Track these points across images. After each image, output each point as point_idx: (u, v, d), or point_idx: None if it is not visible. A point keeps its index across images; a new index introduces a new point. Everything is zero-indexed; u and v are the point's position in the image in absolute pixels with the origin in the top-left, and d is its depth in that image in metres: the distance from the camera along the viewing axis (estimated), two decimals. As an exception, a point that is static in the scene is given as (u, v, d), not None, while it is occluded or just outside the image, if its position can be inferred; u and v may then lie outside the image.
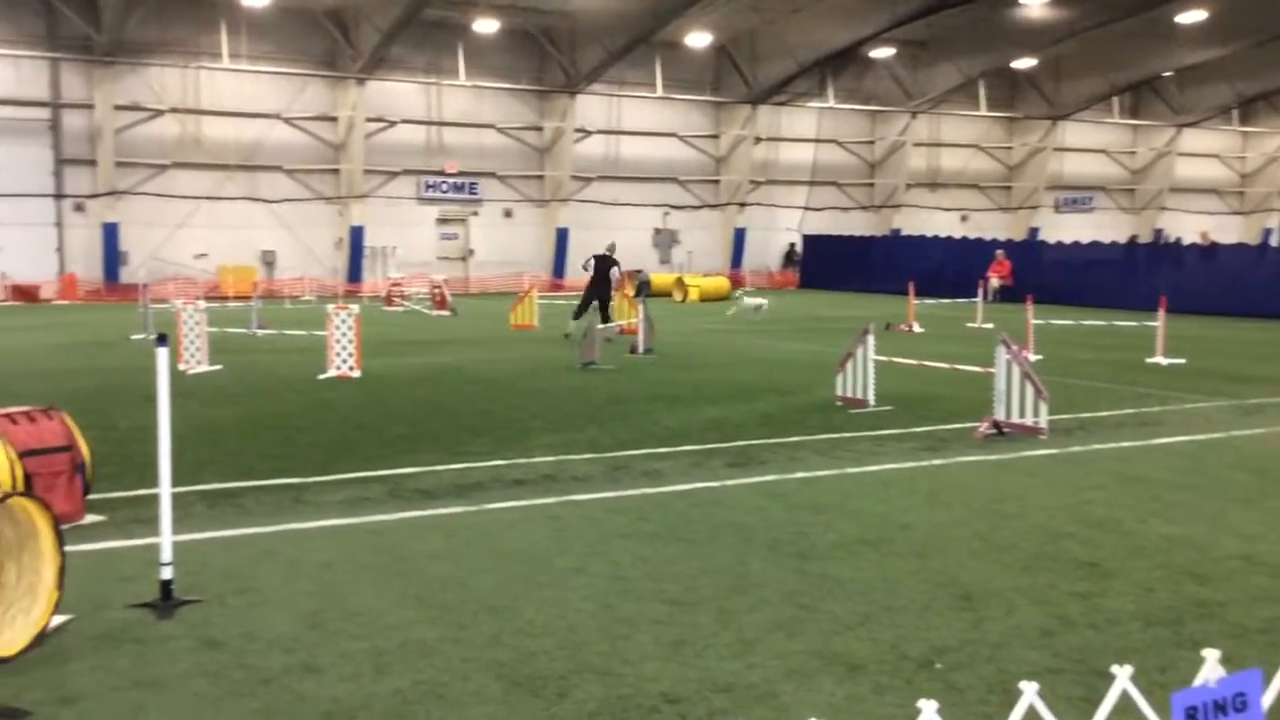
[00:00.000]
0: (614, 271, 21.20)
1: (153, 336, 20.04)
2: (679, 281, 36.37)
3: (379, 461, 9.29)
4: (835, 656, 4.91)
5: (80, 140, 34.29)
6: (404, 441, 10.27)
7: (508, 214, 41.24)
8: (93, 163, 34.26)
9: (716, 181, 44.75)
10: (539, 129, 41.09)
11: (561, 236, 41.37)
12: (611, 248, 22.21)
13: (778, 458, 9.62)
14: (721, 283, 37.31)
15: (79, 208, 34.56)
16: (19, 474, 6.71)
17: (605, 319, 20.60)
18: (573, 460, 9.43)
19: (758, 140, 44.37)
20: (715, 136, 44.41)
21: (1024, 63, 44.73)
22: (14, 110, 33.35)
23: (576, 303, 21.89)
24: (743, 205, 44.57)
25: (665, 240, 44.22)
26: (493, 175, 40.58)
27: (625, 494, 8.23)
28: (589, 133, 41.74)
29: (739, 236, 44.74)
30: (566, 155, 40.79)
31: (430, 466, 9.12)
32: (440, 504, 7.83)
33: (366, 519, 7.39)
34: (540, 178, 41.42)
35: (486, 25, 37.20)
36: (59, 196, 34.36)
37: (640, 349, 18.01)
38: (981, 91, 46.81)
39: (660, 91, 41.56)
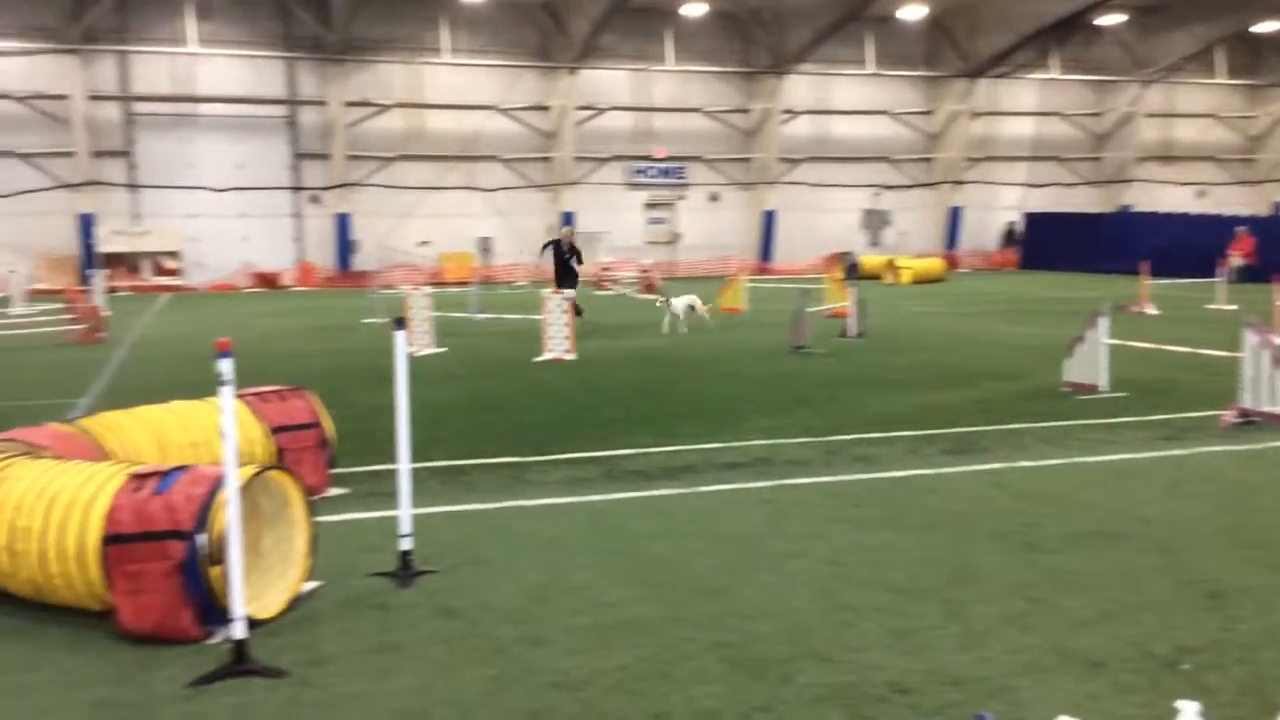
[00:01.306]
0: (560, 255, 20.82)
1: (383, 321, 21.02)
2: (890, 264, 35.55)
3: (595, 443, 9.48)
4: (1073, 653, 4.69)
5: (315, 135, 36.47)
6: (618, 423, 10.45)
7: (714, 198, 41.34)
8: (326, 157, 36.38)
9: (930, 160, 43.50)
10: (745, 111, 40.97)
11: (768, 219, 41.17)
12: (567, 233, 22.04)
13: (1000, 445, 9.26)
14: (935, 264, 36.25)
15: (314, 199, 36.80)
16: (272, 449, 7.21)
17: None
18: (786, 444, 9.36)
19: (974, 115, 42.85)
20: (929, 113, 43.15)
21: (1266, 26, 41.39)
22: (255, 108, 35.79)
23: (800, 286, 21.46)
24: (958, 183, 43.15)
25: (875, 221, 43.34)
26: (699, 159, 40.75)
27: (840, 479, 8.11)
28: (796, 113, 41.32)
29: (954, 216, 43.38)
30: (773, 137, 40.52)
31: (644, 449, 9.24)
32: (655, 485, 7.92)
33: (585, 498, 7.56)
34: (746, 161, 41.30)
35: (694, 9, 37.33)
36: (296, 189, 36.69)
37: (852, 333, 17.72)
38: (1220, 58, 43.67)
39: (871, 68, 40.71)
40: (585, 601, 5.42)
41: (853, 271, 28.84)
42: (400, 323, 5.95)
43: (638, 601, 5.42)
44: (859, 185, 42.67)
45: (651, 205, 40.87)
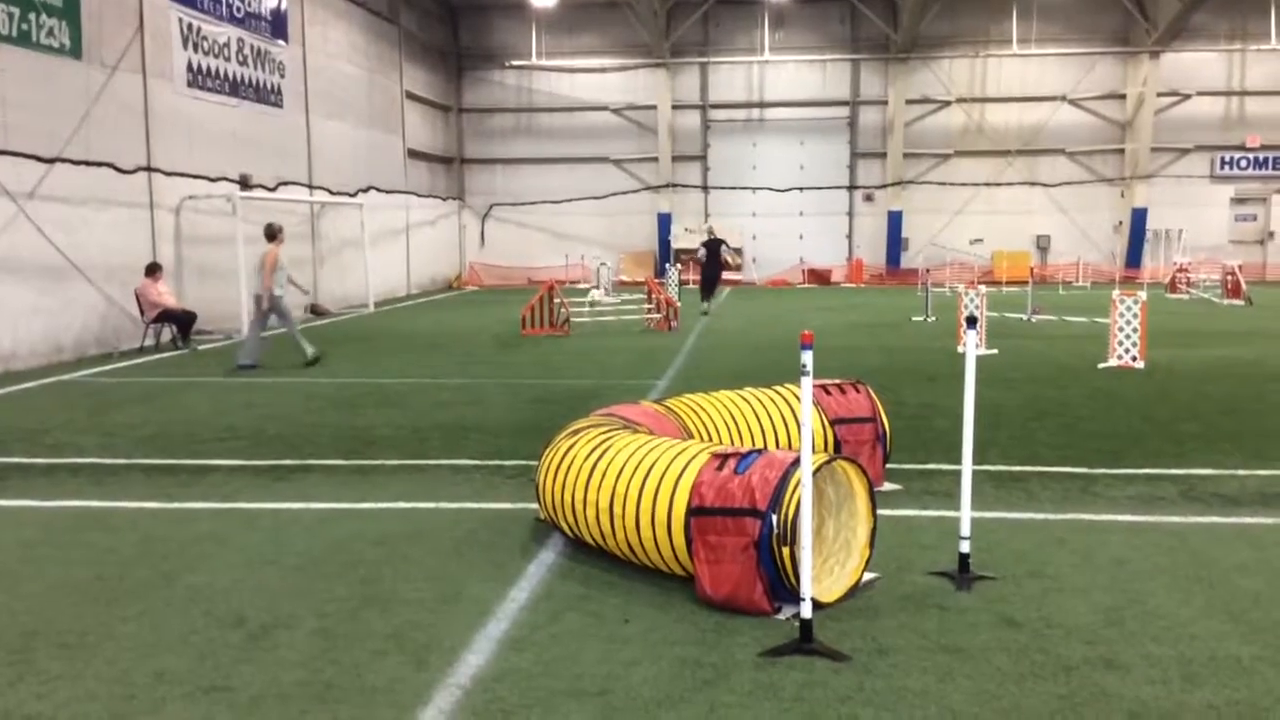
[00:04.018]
0: (722, 250, 24.83)
1: (932, 319, 20.94)
2: None
3: (1169, 459, 8.71)
4: None
5: (873, 135, 37.10)
6: (1196, 440, 9.50)
7: (1320, 190, 36.05)
8: (882, 155, 36.87)
9: None
10: (1368, 90, 35.19)
11: (1392, 215, 35.08)
12: (710, 230, 25.72)
13: None
14: None
15: (868, 198, 37.48)
16: (830, 439, 7.47)
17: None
18: None
19: None
20: None
21: None
22: (819, 110, 37.18)
23: None
24: None
25: None
26: (1303, 147, 35.73)
27: None
28: None
29: None
30: (1405, 118, 34.41)
31: (1230, 470, 8.32)
32: (1245, 512, 7.10)
33: (1160, 519, 6.97)
34: (1367, 147, 35.51)
35: (1309, -24, 32.69)
36: (851, 188, 37.59)
37: None
38: None
39: None
40: (1164, 630, 5.01)
41: None
42: (973, 321, 5.88)
43: (1228, 638, 4.90)
44: None
45: (1240, 200, 36.54)
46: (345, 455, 9.15)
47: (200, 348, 17.81)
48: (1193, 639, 4.90)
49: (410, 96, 33.18)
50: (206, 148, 20.66)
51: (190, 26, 20.26)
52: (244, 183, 21.78)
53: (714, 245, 25.18)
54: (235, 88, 21.93)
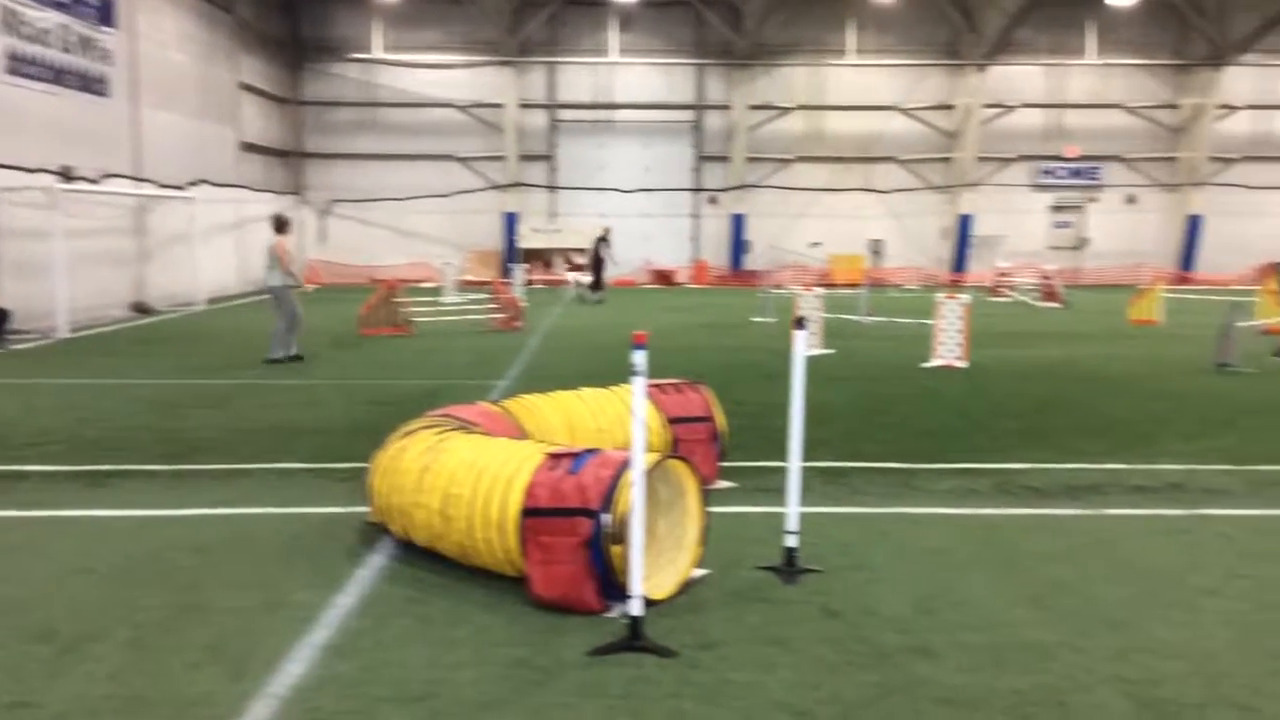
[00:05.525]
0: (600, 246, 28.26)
1: (773, 320, 21.42)
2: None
3: (987, 454, 9.13)
4: None
5: (717, 139, 37.71)
6: (1012, 436, 9.99)
7: (1130, 200, 38.38)
8: (726, 159, 37.52)
9: (1402, 159, 37.90)
10: (1174, 107, 37.66)
11: (1192, 224, 37.63)
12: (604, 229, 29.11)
13: None
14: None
15: (712, 200, 38.09)
16: (668, 439, 7.55)
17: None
18: (1205, 470, 8.54)
19: None
20: (1399, 105, 37.60)
21: None
22: (665, 114, 37.58)
23: (1230, 299, 19.73)
24: None
25: (1324, 229, 38.36)
26: (1116, 159, 37.97)
27: (1270, 513, 7.29)
28: (1234, 109, 37.41)
29: None
30: (1204, 134, 36.95)
31: (1041, 464, 8.77)
32: (1052, 504, 7.50)
33: (975, 511, 7.30)
34: (1171, 160, 37.96)
35: (1122, -2, 34.73)
36: (696, 190, 38.13)
37: (1290, 352, 15.83)
38: None
39: (1328, 57, 36.04)
40: (975, 618, 5.24)
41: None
42: (801, 322, 6.02)
43: (1033, 625, 5.17)
44: (1306, 188, 37.98)
45: (1058, 208, 38.60)
46: (166, 459, 8.78)
47: (15, 346, 16.82)
48: (1001, 626, 5.15)
49: (246, 88, 32.07)
50: (26, 137, 19.52)
51: (10, 11, 19.09)
52: (65, 174, 20.66)
53: (600, 242, 28.38)
54: (59, 75, 20.78)
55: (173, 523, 6.92)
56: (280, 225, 15.34)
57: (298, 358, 15.25)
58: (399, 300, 19.62)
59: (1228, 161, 37.71)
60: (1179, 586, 5.74)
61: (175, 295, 25.82)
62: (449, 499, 5.79)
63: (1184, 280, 36.74)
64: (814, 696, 4.36)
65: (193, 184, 27.26)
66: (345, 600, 5.46)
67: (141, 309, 23.77)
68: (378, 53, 36.06)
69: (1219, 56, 36.18)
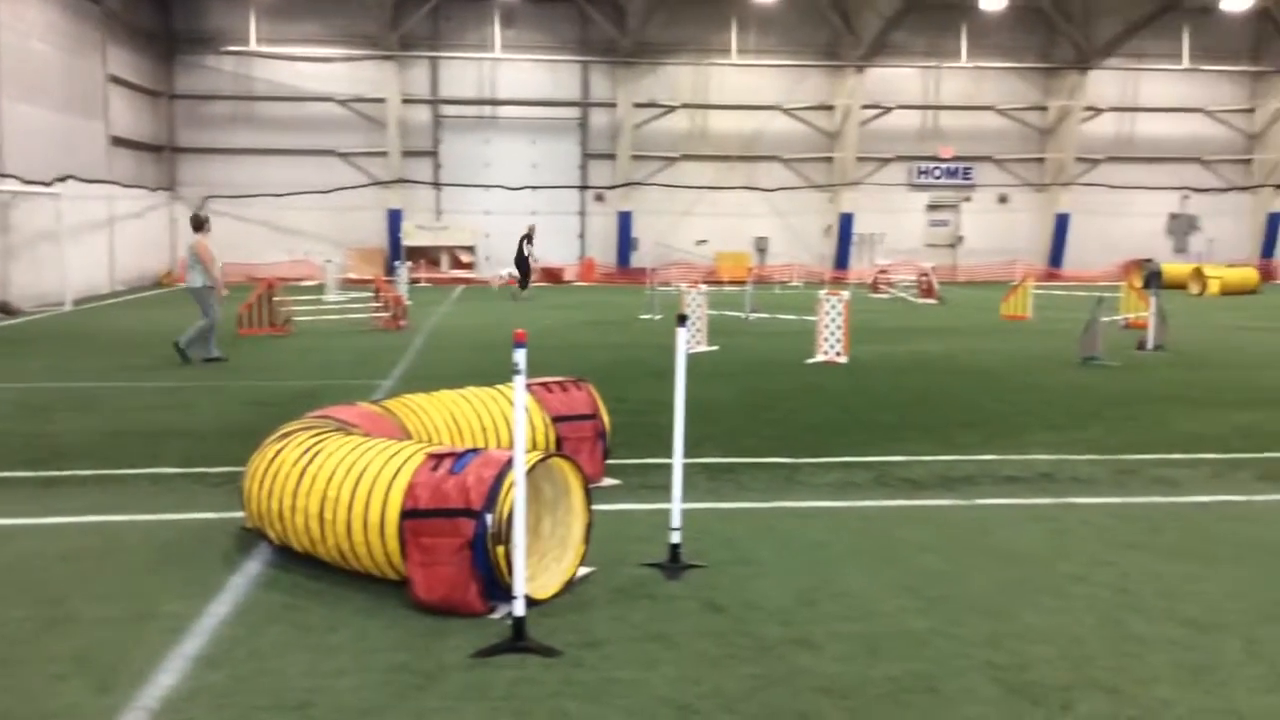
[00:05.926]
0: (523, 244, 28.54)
1: (659, 317, 21.55)
2: (1197, 272, 32.92)
3: (867, 448, 9.34)
4: (1402, 713, 4.21)
5: (603, 136, 37.73)
6: (891, 429, 10.24)
7: (1002, 199, 39.66)
8: (612, 156, 37.57)
9: (1248, 161, 39.94)
10: (1042, 109, 39.04)
11: (1061, 223, 39.07)
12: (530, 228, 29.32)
13: (1323, 476, 8.40)
14: (1249, 274, 33.26)
15: (599, 198, 38.12)
16: (552, 437, 7.54)
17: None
18: (1072, 460, 8.88)
19: (1305, 113, 38.95)
20: (1249, 110, 39.62)
21: None
22: (550, 111, 37.45)
23: (1095, 294, 20.57)
24: (1281, 187, 39.39)
25: (1182, 227, 40.26)
26: (988, 159, 39.21)
27: (1133, 501, 7.61)
28: (1099, 111, 38.97)
29: (1273, 222, 39.62)
30: (1071, 136, 38.40)
31: (918, 456, 9.01)
32: (929, 495, 7.72)
33: (855, 503, 7.46)
34: (1040, 161, 39.36)
35: (994, 2, 35.80)
36: (583, 188, 38.11)
37: (1150, 345, 16.57)
38: None
39: (1186, 63, 37.79)
40: (854, 609, 5.36)
41: (1153, 280, 26.87)
42: (683, 319, 6.07)
43: (908, 613, 5.30)
44: (1164, 188, 39.76)
45: (934, 207, 39.69)
46: (30, 466, 8.41)
47: None
48: (878, 615, 5.27)
49: (115, 80, 30.88)
50: None
51: None
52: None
53: (524, 240, 28.63)
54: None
55: (38, 531, 6.64)
56: (198, 224, 14.88)
57: (219, 359, 14.85)
58: (278, 299, 19.15)
59: (1093, 162, 39.26)
60: (1048, 573, 5.95)
61: (42, 295, 24.75)
62: (327, 502, 5.67)
63: (1053, 277, 38.12)
64: (696, 691, 4.40)
65: (60, 180, 26.15)
66: (219, 609, 5.31)
67: (5, 309, 22.72)
68: (254, 45, 35.09)
69: (1084, 60, 37.63)
